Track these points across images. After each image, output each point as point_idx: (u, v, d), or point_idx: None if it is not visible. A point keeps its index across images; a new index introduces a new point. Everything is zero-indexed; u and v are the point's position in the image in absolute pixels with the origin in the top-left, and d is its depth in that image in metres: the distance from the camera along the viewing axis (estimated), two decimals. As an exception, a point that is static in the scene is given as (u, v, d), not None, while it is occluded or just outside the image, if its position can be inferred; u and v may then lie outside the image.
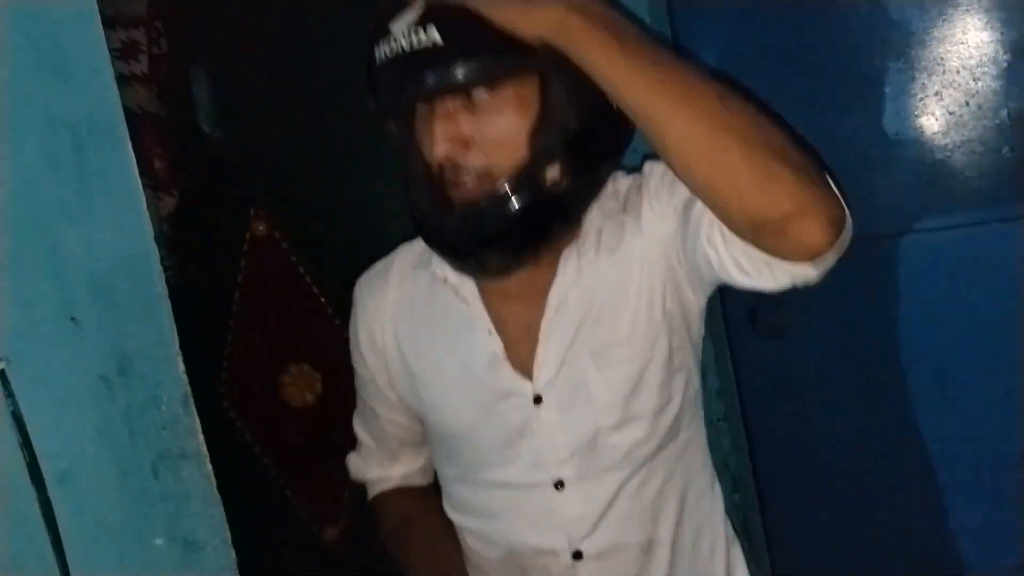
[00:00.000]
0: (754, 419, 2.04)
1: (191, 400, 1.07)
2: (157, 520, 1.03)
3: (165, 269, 1.92)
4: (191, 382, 1.10)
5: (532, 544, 1.07)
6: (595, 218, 1.07)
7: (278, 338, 1.93)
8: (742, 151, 0.82)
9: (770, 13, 1.81)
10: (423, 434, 1.17)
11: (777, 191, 0.83)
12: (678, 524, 1.09)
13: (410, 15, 0.94)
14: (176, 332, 1.08)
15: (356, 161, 1.86)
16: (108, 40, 1.77)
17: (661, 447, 1.07)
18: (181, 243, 1.86)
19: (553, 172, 0.96)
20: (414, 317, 1.10)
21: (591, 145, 1.00)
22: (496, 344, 1.06)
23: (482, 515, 1.09)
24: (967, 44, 1.64)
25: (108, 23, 1.76)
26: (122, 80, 1.77)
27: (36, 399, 0.92)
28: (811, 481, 2.00)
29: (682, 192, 1.00)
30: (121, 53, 1.74)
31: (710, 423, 2.00)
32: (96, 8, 1.03)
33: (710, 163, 0.84)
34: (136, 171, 1.05)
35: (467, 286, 1.07)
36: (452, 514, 1.14)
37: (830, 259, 0.90)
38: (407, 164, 1.05)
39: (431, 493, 1.23)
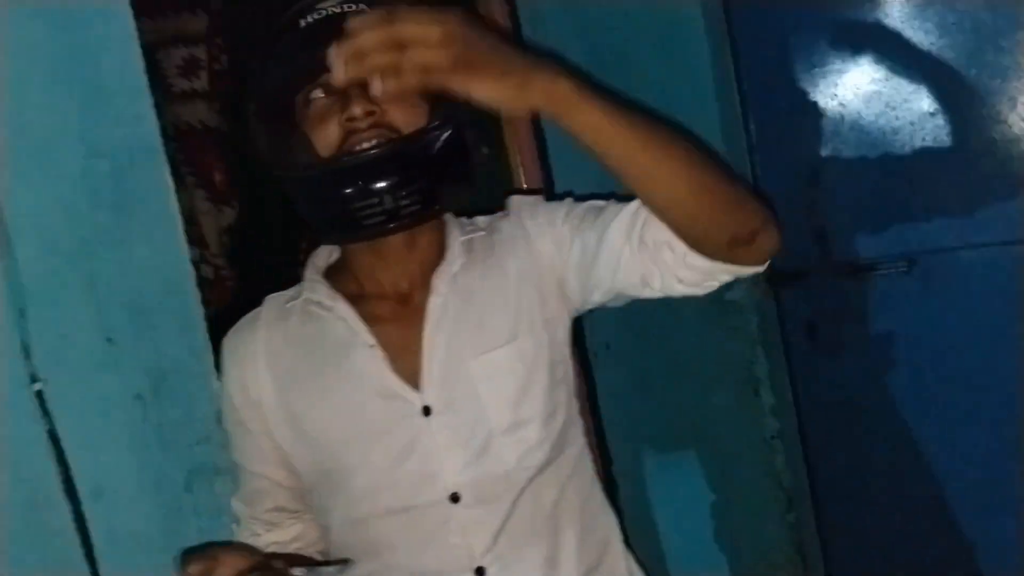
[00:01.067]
0: (814, 437, 1.99)
1: (226, 417, 1.11)
2: (190, 533, 1.06)
3: (224, 280, 1.99)
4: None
5: (432, 567, 1.04)
6: (458, 237, 1.11)
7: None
8: (716, 188, 0.92)
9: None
10: (302, 497, 1.11)
11: (747, 212, 0.94)
12: (581, 540, 1.08)
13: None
14: (211, 350, 1.12)
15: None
16: (169, 57, 1.84)
17: (552, 458, 1.07)
18: (240, 254, 1.92)
19: (449, 137, 1.00)
20: (291, 354, 1.07)
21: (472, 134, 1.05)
22: (379, 356, 1.04)
23: (377, 552, 1.04)
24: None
25: (170, 41, 1.85)
26: (184, 96, 1.84)
27: (72, 417, 0.96)
28: (871, 500, 1.94)
29: (569, 221, 1.08)
30: (182, 70, 1.80)
31: (763, 441, 1.98)
32: (135, 34, 1.06)
33: (695, 202, 0.92)
34: (174, 196, 1.09)
35: (341, 307, 1.06)
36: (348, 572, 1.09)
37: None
38: (290, 152, 1.02)
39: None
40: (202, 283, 1.86)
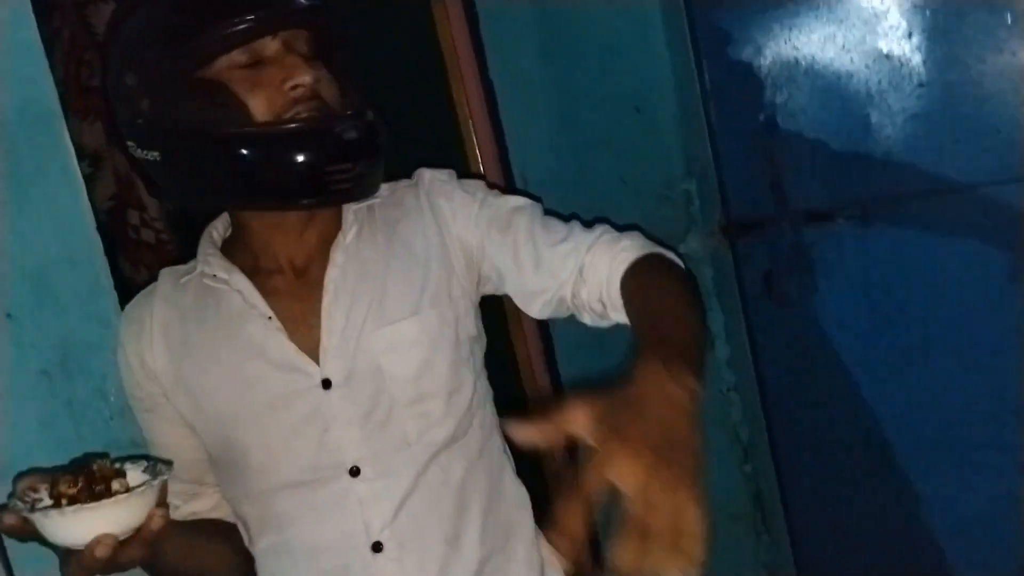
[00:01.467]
0: (772, 388, 1.98)
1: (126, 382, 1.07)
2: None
3: (165, 244, 1.93)
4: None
5: (330, 541, 1.02)
6: (351, 206, 1.10)
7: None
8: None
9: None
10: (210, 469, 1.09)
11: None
12: (485, 521, 1.07)
13: None
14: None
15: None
16: (99, 12, 1.77)
17: (457, 435, 1.06)
18: (182, 216, 1.87)
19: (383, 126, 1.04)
20: (185, 327, 1.05)
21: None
22: (276, 327, 1.03)
23: (279, 526, 1.03)
24: None
25: (99, -4, 1.77)
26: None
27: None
28: (831, 450, 1.93)
29: (494, 215, 1.11)
30: (111, 24, 1.73)
31: (719, 393, 1.97)
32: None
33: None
34: (75, 161, 1.04)
35: (237, 279, 1.04)
36: (251, 549, 1.08)
37: None
38: (229, 108, 0.98)
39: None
40: (142, 248, 1.83)
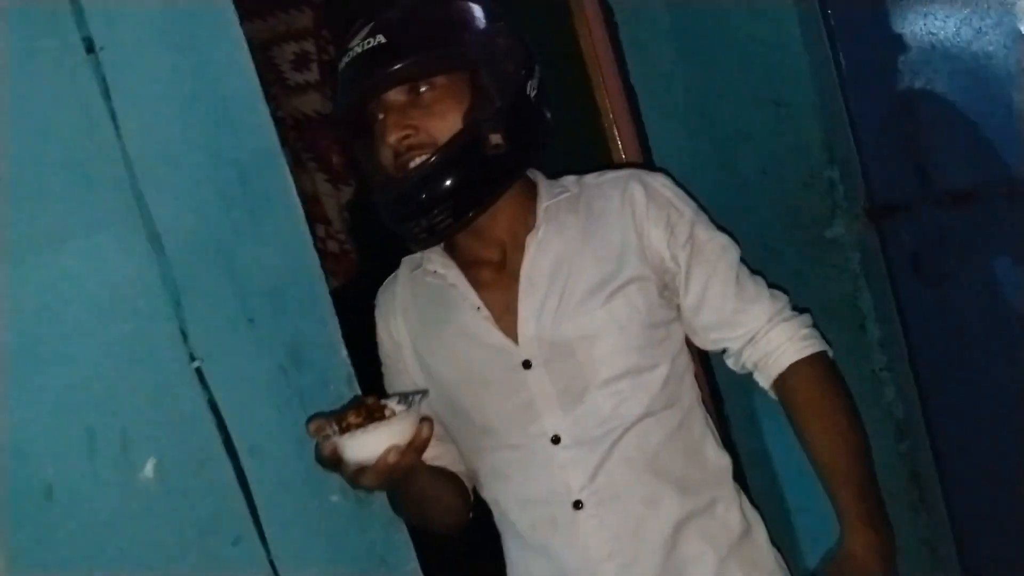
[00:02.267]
0: (925, 367, 2.00)
1: (355, 379, 1.26)
2: (333, 480, 1.21)
3: (347, 253, 2.15)
4: (364, 362, 1.29)
5: (538, 496, 1.17)
6: (544, 202, 1.22)
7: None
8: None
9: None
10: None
11: None
12: (683, 486, 1.18)
13: (364, 29, 1.14)
14: (338, 324, 1.27)
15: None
16: (282, 53, 2.00)
17: (652, 410, 1.17)
18: (360, 228, 2.07)
19: (482, 142, 1.13)
20: (419, 309, 1.25)
21: (516, 123, 1.15)
22: (485, 316, 1.18)
23: (495, 479, 1.21)
24: None
25: (281, 38, 2.00)
26: (298, 89, 2.00)
27: (227, 388, 1.13)
28: (987, 425, 1.94)
29: (699, 245, 1.22)
30: (295, 64, 1.95)
31: (872, 373, 2.01)
32: (247, 54, 1.20)
33: None
34: (295, 192, 1.23)
35: (453, 273, 1.21)
36: (481, 492, 1.27)
37: None
38: (367, 167, 1.21)
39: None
40: (328, 257, 2.05)
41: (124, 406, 1.04)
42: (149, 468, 1.05)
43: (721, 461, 1.25)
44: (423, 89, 1.12)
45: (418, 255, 1.28)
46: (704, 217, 1.26)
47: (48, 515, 0.97)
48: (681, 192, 1.26)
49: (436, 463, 1.26)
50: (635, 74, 1.84)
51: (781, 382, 1.23)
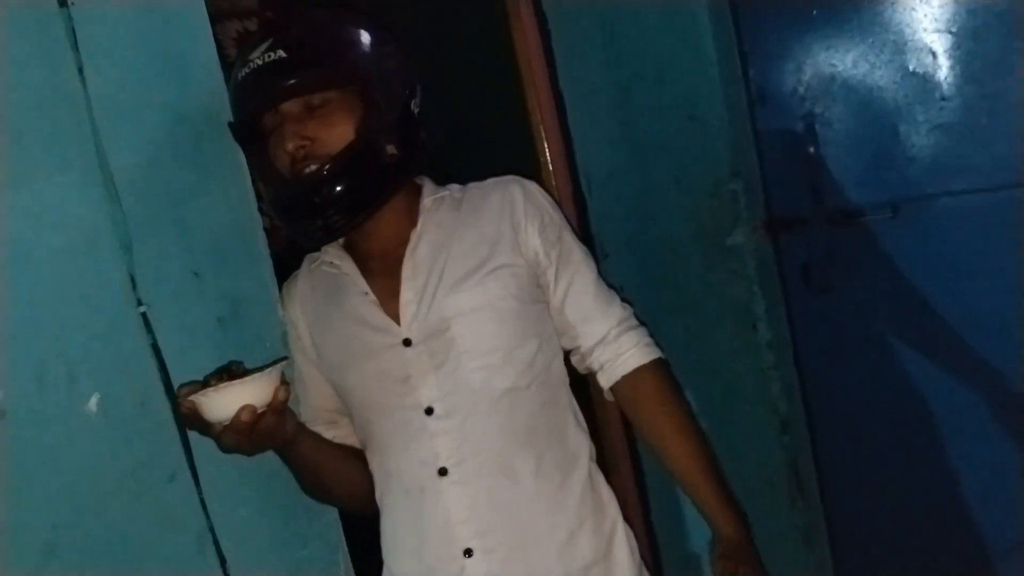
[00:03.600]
0: (808, 368, 2.18)
1: (289, 338, 1.34)
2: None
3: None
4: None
5: (410, 465, 1.26)
6: (428, 202, 1.33)
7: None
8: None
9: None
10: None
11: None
12: (541, 460, 1.26)
13: (264, 44, 1.19)
14: (276, 284, 1.34)
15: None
16: (226, 30, 2.05)
17: (518, 386, 1.26)
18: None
19: (374, 150, 1.23)
20: (315, 300, 1.34)
21: (403, 135, 1.26)
22: (372, 300, 1.28)
23: (378, 450, 1.29)
24: None
25: (226, 15, 2.05)
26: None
27: (169, 334, 1.18)
28: (860, 422, 2.11)
29: (566, 249, 1.33)
30: (237, 42, 2.01)
31: (760, 371, 2.18)
32: (208, 23, 1.27)
33: None
34: (244, 161, 1.30)
35: (346, 264, 1.31)
36: (370, 467, 1.33)
37: None
38: (262, 172, 1.27)
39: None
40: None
41: (73, 342, 1.09)
42: (93, 402, 1.10)
43: (580, 440, 1.33)
44: (317, 102, 1.20)
45: (319, 252, 1.36)
46: (569, 228, 1.37)
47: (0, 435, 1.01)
48: (553, 202, 1.37)
49: (340, 441, 1.35)
50: (564, 79, 1.93)
51: (626, 383, 1.33)
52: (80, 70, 1.12)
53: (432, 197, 1.34)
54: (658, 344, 1.36)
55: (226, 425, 1.08)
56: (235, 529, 1.23)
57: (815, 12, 1.99)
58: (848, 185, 2.05)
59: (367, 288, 1.29)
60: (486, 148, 2.04)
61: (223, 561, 1.21)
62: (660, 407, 1.33)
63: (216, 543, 1.21)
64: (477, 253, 1.29)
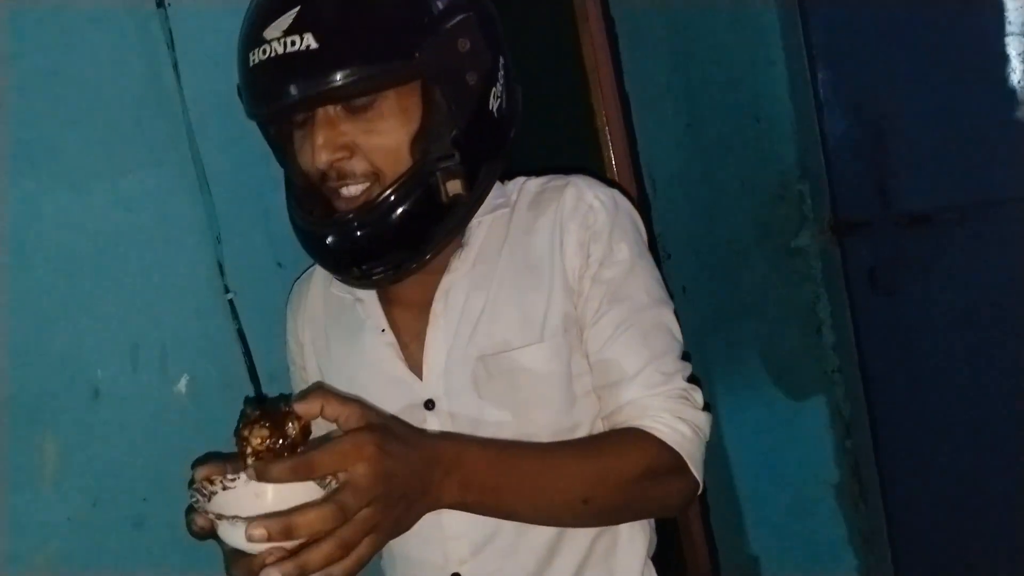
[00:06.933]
0: (873, 372, 2.16)
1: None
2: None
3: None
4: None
5: (414, 557, 1.02)
6: (481, 221, 1.02)
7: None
8: (608, 507, 0.92)
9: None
10: None
11: (648, 506, 0.97)
12: (583, 564, 0.99)
13: (284, 20, 0.88)
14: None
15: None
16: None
17: None
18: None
19: (437, 178, 0.93)
20: (325, 323, 1.10)
21: (474, 151, 0.95)
22: (388, 341, 1.01)
23: None
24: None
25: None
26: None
27: (254, 321, 1.24)
28: (924, 427, 2.09)
29: (617, 289, 0.98)
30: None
31: (824, 374, 2.17)
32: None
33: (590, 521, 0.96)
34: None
35: (360, 291, 1.06)
36: None
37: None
38: (286, 171, 1.02)
39: None
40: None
41: (165, 326, 1.14)
42: (183, 384, 1.16)
43: (638, 537, 1.05)
44: (361, 101, 0.91)
45: None
46: (639, 241, 1.03)
47: (95, 413, 1.07)
48: (618, 205, 1.03)
49: None
50: (630, 81, 1.95)
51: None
52: (175, 68, 1.18)
53: (486, 215, 1.03)
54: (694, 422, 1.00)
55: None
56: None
57: (884, 13, 1.98)
58: (916, 188, 2.03)
59: (385, 324, 1.04)
60: (551, 149, 2.07)
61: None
62: (607, 445, 0.94)
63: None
64: (524, 294, 0.98)
